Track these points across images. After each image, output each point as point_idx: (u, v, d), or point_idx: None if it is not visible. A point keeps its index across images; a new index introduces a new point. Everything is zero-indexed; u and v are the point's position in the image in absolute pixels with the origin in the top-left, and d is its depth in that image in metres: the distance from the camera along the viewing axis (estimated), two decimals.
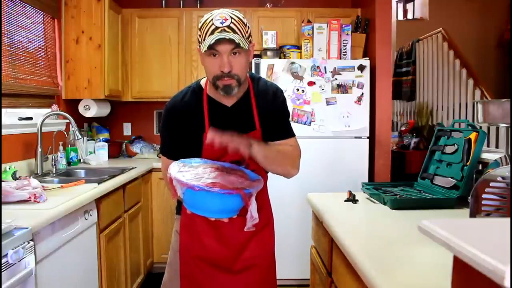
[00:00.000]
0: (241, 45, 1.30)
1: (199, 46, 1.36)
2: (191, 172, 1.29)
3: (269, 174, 1.62)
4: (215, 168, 1.34)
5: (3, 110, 2.34)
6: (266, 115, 1.50)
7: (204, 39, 1.31)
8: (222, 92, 1.38)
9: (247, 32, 1.35)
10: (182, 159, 1.42)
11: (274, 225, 1.64)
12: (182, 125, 1.48)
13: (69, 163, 2.96)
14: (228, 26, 1.29)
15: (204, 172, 1.30)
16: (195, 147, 1.46)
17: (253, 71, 2.98)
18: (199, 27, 1.35)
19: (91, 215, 2.03)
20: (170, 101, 1.52)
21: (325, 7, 3.56)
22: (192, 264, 1.50)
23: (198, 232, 1.49)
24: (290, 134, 1.57)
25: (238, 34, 1.30)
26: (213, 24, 1.30)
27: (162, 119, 1.53)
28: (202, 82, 1.52)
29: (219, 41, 1.29)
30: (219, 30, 1.29)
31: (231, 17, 1.31)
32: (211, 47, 1.30)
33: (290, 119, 1.62)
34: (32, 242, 1.45)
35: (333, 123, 3.01)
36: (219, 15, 1.31)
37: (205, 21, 1.33)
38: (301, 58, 3.15)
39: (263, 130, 1.49)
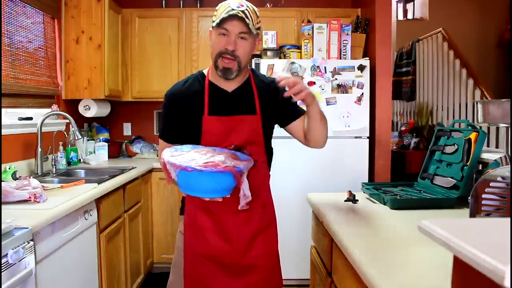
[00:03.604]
0: (250, 27, 1.40)
1: (212, 28, 1.45)
2: (184, 156, 1.33)
3: (271, 172, 1.63)
4: (206, 151, 1.38)
5: (3, 110, 2.34)
6: (267, 104, 1.54)
7: (218, 18, 1.41)
8: (221, 73, 1.45)
9: (257, 23, 1.45)
10: (174, 146, 1.45)
11: None
12: (183, 108, 1.51)
13: (69, 163, 2.96)
14: (243, 11, 1.40)
15: (196, 154, 1.34)
16: (194, 131, 1.49)
17: None
18: (216, 9, 1.45)
19: (91, 215, 2.03)
20: (170, 88, 1.57)
21: (325, 7, 3.56)
22: (197, 263, 1.51)
23: (202, 230, 1.50)
24: (303, 110, 1.60)
25: (249, 20, 1.40)
26: (229, 6, 1.41)
27: (163, 105, 1.57)
28: (205, 71, 1.58)
29: (231, 18, 1.38)
30: (234, 11, 1.39)
31: (247, 5, 1.42)
32: (222, 23, 1.38)
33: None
34: (32, 242, 1.45)
35: (333, 123, 3.01)
36: (236, 1, 1.43)
37: (223, 4, 1.44)
38: (301, 58, 3.14)
39: (263, 116, 1.52)
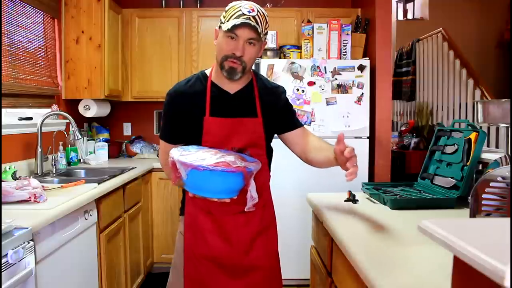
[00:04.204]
0: (260, 36, 1.40)
1: (219, 27, 1.44)
2: (193, 155, 1.32)
3: (271, 173, 1.63)
4: (214, 151, 1.38)
5: (3, 110, 2.34)
6: (268, 107, 1.55)
7: (228, 20, 1.39)
8: (226, 73, 1.44)
9: (266, 28, 1.45)
10: (181, 146, 1.45)
11: None
12: (184, 108, 1.50)
13: (69, 163, 2.96)
14: (253, 17, 1.39)
15: (206, 154, 1.33)
16: (195, 132, 1.49)
17: None
18: (226, 10, 1.44)
19: (91, 215, 2.03)
20: (172, 87, 1.56)
21: (325, 7, 3.56)
22: (197, 263, 1.50)
23: (202, 231, 1.50)
24: (301, 123, 1.65)
25: (259, 27, 1.39)
26: (240, 10, 1.39)
27: (165, 104, 1.56)
28: (207, 71, 1.57)
29: (242, 25, 1.37)
30: (245, 16, 1.38)
31: (258, 10, 1.42)
32: (234, 28, 1.37)
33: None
34: (32, 242, 1.45)
35: (333, 123, 3.01)
36: (247, 5, 1.41)
37: (233, 5, 1.42)
38: (301, 58, 3.14)
39: (265, 119, 1.52)
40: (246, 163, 1.32)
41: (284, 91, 1.64)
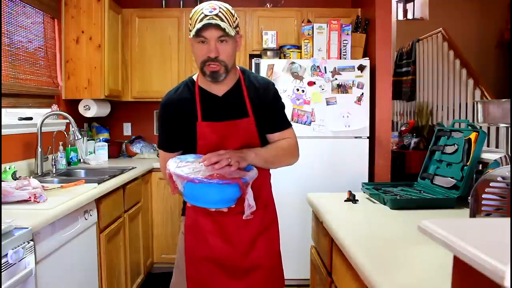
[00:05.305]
0: (227, 31, 1.37)
1: (190, 35, 1.43)
2: (189, 167, 1.33)
3: (271, 173, 1.63)
4: None
5: (3, 110, 2.34)
6: (258, 105, 1.53)
7: (194, 26, 1.38)
8: (209, 78, 1.44)
9: (234, 22, 1.42)
10: (178, 156, 1.46)
11: None
12: (177, 116, 1.51)
13: (69, 163, 2.96)
14: (216, 15, 1.37)
15: (202, 165, 1.34)
16: (190, 138, 1.50)
17: (253, 71, 2.98)
18: (190, 16, 1.43)
19: (91, 215, 2.03)
20: (164, 97, 1.57)
21: (325, 7, 3.56)
22: (198, 265, 1.50)
23: (203, 232, 1.50)
24: (286, 125, 1.60)
25: (225, 22, 1.37)
26: (202, 12, 1.38)
27: (158, 115, 1.58)
28: (194, 77, 1.57)
29: (206, 27, 1.35)
30: (207, 17, 1.36)
31: (219, 7, 1.40)
32: (199, 32, 1.36)
33: (285, 110, 1.64)
34: (32, 242, 1.45)
35: (333, 123, 3.01)
36: (208, 5, 1.40)
37: (196, 10, 1.41)
38: (301, 58, 3.14)
39: (256, 118, 1.51)
40: (242, 172, 1.33)
41: (273, 87, 1.59)
